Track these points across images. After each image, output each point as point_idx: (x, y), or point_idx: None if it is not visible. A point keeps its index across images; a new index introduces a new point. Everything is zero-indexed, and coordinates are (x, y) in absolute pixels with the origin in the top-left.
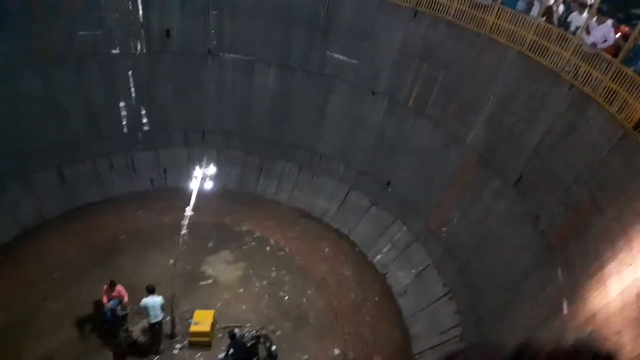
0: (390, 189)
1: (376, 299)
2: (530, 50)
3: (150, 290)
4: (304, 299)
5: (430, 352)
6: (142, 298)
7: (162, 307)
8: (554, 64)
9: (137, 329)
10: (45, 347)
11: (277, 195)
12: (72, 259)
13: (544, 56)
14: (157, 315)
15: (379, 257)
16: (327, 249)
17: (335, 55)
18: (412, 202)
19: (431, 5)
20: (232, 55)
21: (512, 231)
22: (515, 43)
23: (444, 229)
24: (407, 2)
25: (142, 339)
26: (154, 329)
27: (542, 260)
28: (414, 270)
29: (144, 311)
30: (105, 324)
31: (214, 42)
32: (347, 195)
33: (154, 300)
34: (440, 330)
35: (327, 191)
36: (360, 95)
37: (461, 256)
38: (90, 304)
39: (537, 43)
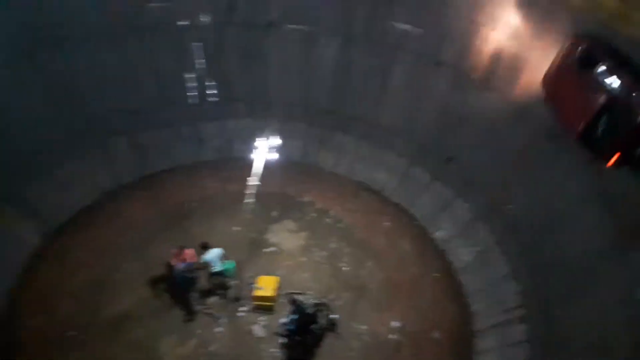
0: (453, 164)
1: (436, 274)
2: None
3: (204, 246)
4: (363, 271)
5: (491, 330)
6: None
7: (220, 258)
8: None
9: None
10: (121, 304)
11: (337, 167)
12: (145, 223)
13: None
14: (217, 265)
15: (439, 232)
16: (386, 223)
17: (399, 25)
18: (476, 178)
19: None
20: (294, 27)
21: (584, 211)
22: None
23: (509, 206)
24: None
25: (209, 300)
26: (218, 278)
27: (617, 244)
28: (476, 248)
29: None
30: (176, 285)
31: (276, 14)
32: (407, 169)
33: (212, 253)
34: (503, 309)
35: (388, 164)
36: (424, 67)
37: (526, 235)
38: (162, 265)
39: None
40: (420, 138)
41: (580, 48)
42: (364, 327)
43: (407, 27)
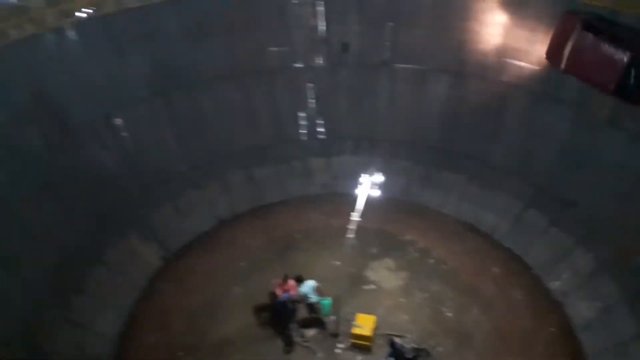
0: (574, 209)
1: (552, 329)
2: None
3: (299, 279)
4: (468, 318)
5: None
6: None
7: (314, 290)
8: None
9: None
10: (227, 328)
11: (443, 206)
12: (255, 251)
13: None
14: (313, 297)
15: (557, 283)
16: (496, 269)
17: (516, 62)
18: (600, 225)
19: None
20: (405, 65)
21: None
22: None
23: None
24: None
25: (308, 334)
26: (313, 309)
27: None
28: (600, 303)
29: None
30: (278, 315)
31: (389, 54)
32: (522, 212)
33: (307, 285)
34: None
35: (499, 206)
36: (543, 103)
37: None
38: (267, 293)
39: None
40: (538, 179)
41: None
42: None
43: (523, 63)
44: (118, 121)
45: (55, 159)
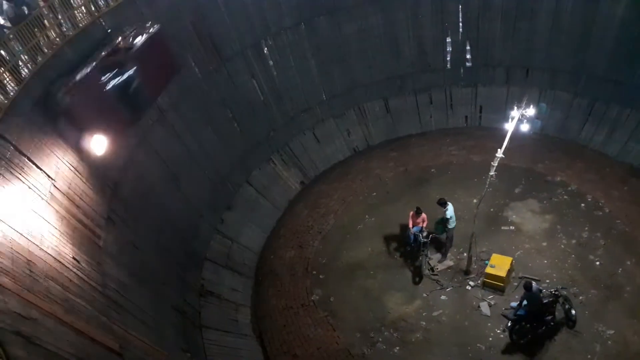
0: None
1: None
2: None
3: (443, 203)
4: (620, 269)
5: None
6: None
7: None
8: None
9: (435, 259)
10: (358, 253)
11: (606, 145)
12: (389, 182)
13: None
14: (454, 221)
15: None
16: None
17: None
18: None
19: None
20: None
21: None
22: None
23: None
24: None
25: (438, 267)
26: (449, 235)
27: None
28: None
29: (448, 221)
30: (408, 246)
31: None
32: None
33: (450, 209)
34: None
35: None
36: None
37: None
38: (398, 224)
39: None
40: None
41: None
42: (612, 332)
43: None
44: (266, 50)
45: (211, 85)
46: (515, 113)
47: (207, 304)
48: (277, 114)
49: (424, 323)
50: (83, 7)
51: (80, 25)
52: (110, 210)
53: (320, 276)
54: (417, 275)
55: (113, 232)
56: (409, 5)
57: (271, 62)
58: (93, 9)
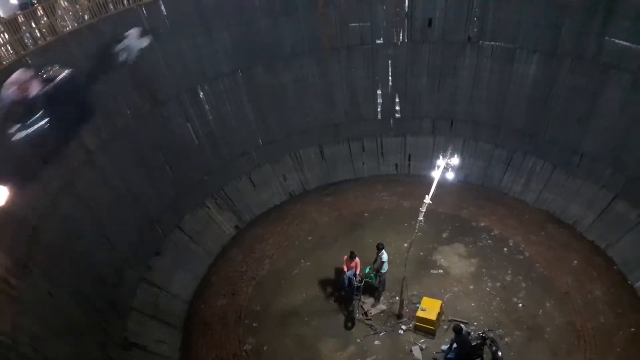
0: None
1: (632, 329)
2: None
3: (382, 248)
4: (541, 311)
5: None
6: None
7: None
8: None
9: (368, 303)
10: (292, 299)
11: (524, 194)
12: (324, 227)
13: None
14: (387, 265)
15: None
16: (575, 262)
17: (617, 41)
18: None
19: None
20: (492, 43)
21: None
22: None
23: None
24: None
25: (371, 312)
26: (382, 280)
27: None
28: None
29: (382, 265)
30: (343, 291)
31: (475, 30)
32: (610, 203)
33: (385, 255)
34: None
35: (585, 196)
36: None
37: None
38: (333, 268)
39: None
40: (632, 169)
41: None
42: None
43: (625, 43)
44: (202, 95)
45: (143, 128)
46: (441, 162)
47: (131, 357)
48: (213, 158)
49: None
50: (8, 46)
51: (4, 63)
52: (27, 257)
53: (254, 324)
54: (350, 321)
55: (29, 281)
56: (342, 58)
57: (207, 107)
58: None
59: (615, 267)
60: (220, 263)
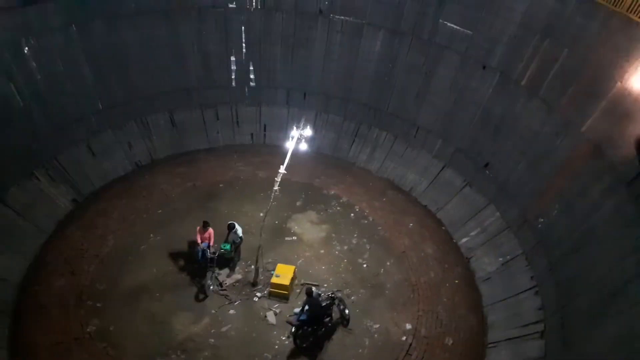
0: (488, 171)
1: (456, 281)
2: None
3: (232, 227)
4: (382, 270)
5: (505, 344)
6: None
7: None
8: None
9: (223, 273)
10: (141, 275)
11: (369, 163)
12: (175, 198)
13: None
14: (237, 239)
15: (465, 239)
16: (411, 224)
17: (449, 24)
18: (510, 188)
19: None
20: (342, 17)
21: (618, 233)
22: None
23: (541, 220)
24: None
25: (226, 282)
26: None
27: None
28: (501, 259)
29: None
30: (196, 263)
31: (327, 2)
32: (440, 171)
33: (239, 228)
34: (520, 323)
35: (420, 165)
36: (470, 69)
37: (555, 251)
38: (186, 241)
39: None
40: (458, 141)
41: None
42: (377, 325)
43: (455, 26)
44: (27, 50)
45: None
46: (294, 133)
47: None
48: (43, 123)
49: (212, 340)
50: None
51: None
52: None
53: (98, 305)
54: (202, 292)
55: None
56: (193, 20)
57: (34, 64)
58: None
59: (443, 227)
60: (56, 241)
